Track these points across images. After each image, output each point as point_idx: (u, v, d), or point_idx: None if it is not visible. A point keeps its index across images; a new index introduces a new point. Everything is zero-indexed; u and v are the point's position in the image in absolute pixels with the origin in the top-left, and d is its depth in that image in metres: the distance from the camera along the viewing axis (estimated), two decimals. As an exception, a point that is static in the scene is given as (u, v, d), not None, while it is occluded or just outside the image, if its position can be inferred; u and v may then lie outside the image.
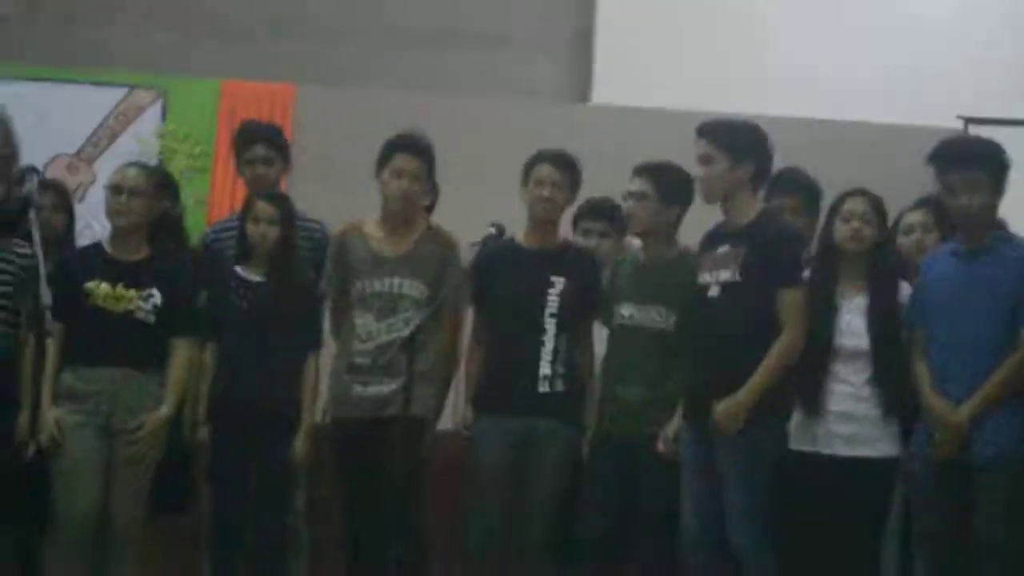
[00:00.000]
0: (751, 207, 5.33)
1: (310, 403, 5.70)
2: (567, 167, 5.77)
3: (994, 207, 5.21)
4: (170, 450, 5.64)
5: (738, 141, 5.31)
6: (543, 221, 5.76)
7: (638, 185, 5.66)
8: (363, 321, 5.59)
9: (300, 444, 5.64)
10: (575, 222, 6.18)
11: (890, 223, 5.64)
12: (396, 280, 5.61)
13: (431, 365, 5.56)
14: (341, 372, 5.62)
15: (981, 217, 5.19)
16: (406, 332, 5.43)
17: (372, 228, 5.72)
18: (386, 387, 5.49)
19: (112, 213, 5.65)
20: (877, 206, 5.43)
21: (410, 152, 5.65)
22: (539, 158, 5.78)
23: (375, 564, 5.45)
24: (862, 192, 5.47)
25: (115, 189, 5.63)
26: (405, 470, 5.35)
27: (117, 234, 5.67)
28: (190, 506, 5.84)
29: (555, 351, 5.63)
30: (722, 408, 5.11)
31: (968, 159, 5.20)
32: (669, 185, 5.64)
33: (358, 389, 5.54)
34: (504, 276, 5.67)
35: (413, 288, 5.59)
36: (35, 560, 5.49)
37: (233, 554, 5.65)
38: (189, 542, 5.86)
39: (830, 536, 5.25)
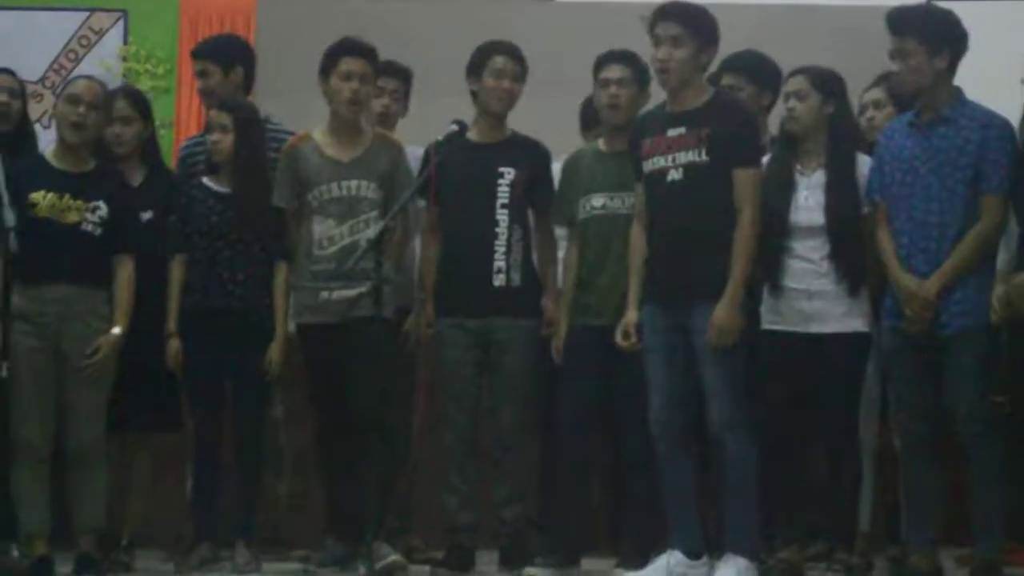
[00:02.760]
0: (704, 90, 5.29)
1: (282, 312, 5.70)
2: (520, 58, 5.79)
3: (931, 74, 5.16)
4: (155, 369, 5.66)
5: (703, 24, 5.25)
6: (497, 113, 5.77)
7: (619, 71, 5.63)
8: (323, 227, 5.60)
9: (274, 353, 5.65)
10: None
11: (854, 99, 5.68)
12: (353, 183, 5.62)
13: (391, 266, 5.59)
14: (304, 280, 5.63)
15: (915, 83, 5.18)
16: (370, 233, 5.39)
17: (322, 136, 5.72)
18: (352, 290, 5.49)
19: (67, 124, 5.56)
20: (818, 81, 5.42)
21: (356, 54, 5.65)
22: (492, 50, 5.78)
23: (346, 465, 5.49)
24: (800, 71, 5.48)
25: (74, 99, 5.57)
26: (379, 371, 5.36)
27: (67, 146, 5.59)
28: (179, 423, 5.87)
29: (508, 243, 5.66)
30: (720, 314, 5.04)
31: (900, 26, 5.19)
32: (643, 71, 5.65)
33: (324, 295, 5.56)
34: (456, 172, 5.64)
35: (370, 190, 5.61)
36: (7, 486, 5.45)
37: (214, 465, 5.70)
38: (175, 455, 5.92)
39: (805, 410, 5.31)
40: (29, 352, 5.40)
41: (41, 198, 5.47)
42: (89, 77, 5.89)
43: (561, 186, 5.78)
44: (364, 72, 5.64)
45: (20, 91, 6.05)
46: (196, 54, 6.30)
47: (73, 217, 5.50)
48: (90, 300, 5.50)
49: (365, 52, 5.67)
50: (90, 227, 5.51)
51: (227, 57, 6.20)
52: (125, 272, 5.55)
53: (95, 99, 5.60)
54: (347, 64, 5.62)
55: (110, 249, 5.55)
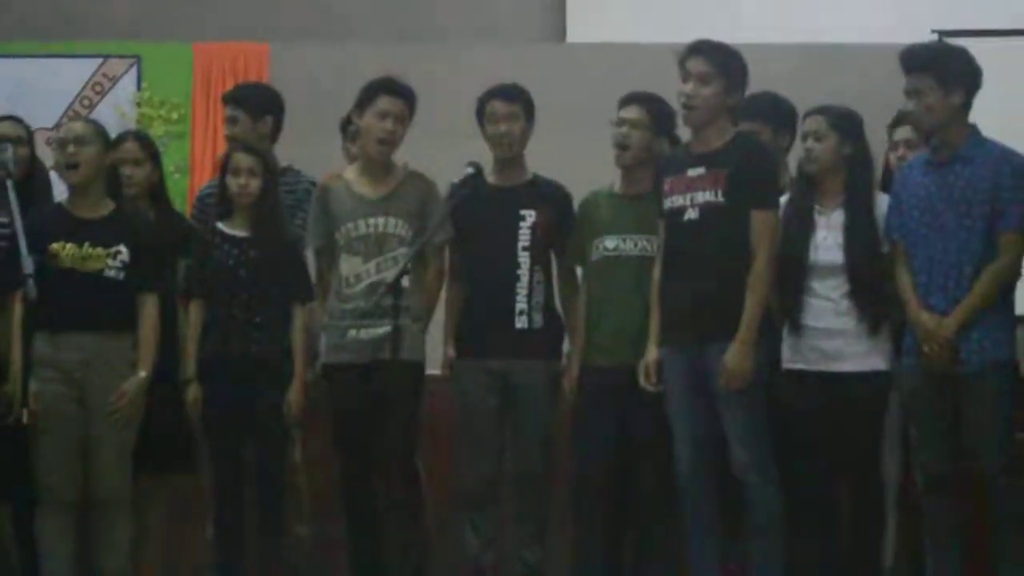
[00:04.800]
0: (727, 131, 5.31)
1: (301, 355, 5.69)
2: (517, 98, 5.77)
3: (946, 112, 5.17)
4: (171, 411, 5.64)
5: (732, 65, 5.29)
6: (505, 157, 5.77)
7: (634, 112, 5.64)
8: (350, 265, 5.58)
9: (294, 396, 5.64)
10: None
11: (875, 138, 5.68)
12: (380, 220, 5.60)
13: (419, 306, 5.59)
14: (333, 319, 5.60)
15: (930, 122, 5.20)
16: (395, 270, 5.40)
17: (352, 175, 5.72)
18: (380, 328, 5.45)
19: (63, 168, 5.56)
20: (836, 121, 5.40)
21: (394, 94, 5.64)
22: (488, 95, 5.79)
23: (369, 509, 5.50)
24: (817, 111, 5.46)
25: (62, 143, 5.56)
26: (403, 414, 5.39)
27: (75, 191, 5.59)
28: (196, 466, 5.84)
29: (530, 285, 5.66)
30: (730, 357, 5.08)
31: (913, 65, 5.22)
32: (661, 115, 5.67)
33: (352, 333, 5.52)
34: (476, 215, 5.66)
35: (398, 227, 5.59)
36: (30, 534, 5.46)
37: (236, 511, 5.67)
38: (196, 500, 5.91)
39: (828, 451, 5.29)
40: (54, 399, 5.41)
41: (62, 248, 5.46)
42: (74, 116, 5.88)
43: (576, 227, 5.78)
44: (400, 113, 5.63)
45: (27, 138, 6.01)
46: (227, 100, 6.30)
47: (96, 265, 5.48)
48: (116, 346, 5.49)
49: (403, 92, 5.66)
50: (113, 272, 5.49)
51: (256, 106, 6.21)
52: (148, 312, 5.53)
53: (82, 135, 5.56)
54: (384, 103, 5.61)
55: (133, 290, 5.52)
